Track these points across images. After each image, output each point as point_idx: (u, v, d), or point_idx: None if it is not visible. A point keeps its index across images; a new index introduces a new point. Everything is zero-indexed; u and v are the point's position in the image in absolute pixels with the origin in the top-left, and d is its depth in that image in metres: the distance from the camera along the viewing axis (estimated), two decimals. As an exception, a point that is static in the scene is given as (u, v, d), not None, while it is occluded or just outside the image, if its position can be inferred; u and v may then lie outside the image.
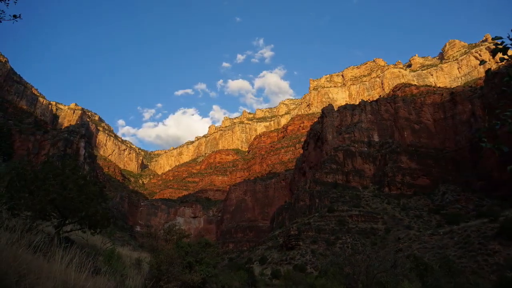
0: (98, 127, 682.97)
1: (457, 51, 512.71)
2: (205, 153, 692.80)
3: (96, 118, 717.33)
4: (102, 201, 23.13)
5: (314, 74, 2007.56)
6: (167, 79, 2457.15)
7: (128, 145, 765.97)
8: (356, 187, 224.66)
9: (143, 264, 25.81)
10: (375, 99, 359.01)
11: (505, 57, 8.45)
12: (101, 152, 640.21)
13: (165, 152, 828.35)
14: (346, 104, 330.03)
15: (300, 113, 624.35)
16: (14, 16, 12.71)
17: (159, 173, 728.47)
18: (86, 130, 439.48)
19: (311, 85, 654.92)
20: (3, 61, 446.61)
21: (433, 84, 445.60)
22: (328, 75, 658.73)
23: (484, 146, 8.92)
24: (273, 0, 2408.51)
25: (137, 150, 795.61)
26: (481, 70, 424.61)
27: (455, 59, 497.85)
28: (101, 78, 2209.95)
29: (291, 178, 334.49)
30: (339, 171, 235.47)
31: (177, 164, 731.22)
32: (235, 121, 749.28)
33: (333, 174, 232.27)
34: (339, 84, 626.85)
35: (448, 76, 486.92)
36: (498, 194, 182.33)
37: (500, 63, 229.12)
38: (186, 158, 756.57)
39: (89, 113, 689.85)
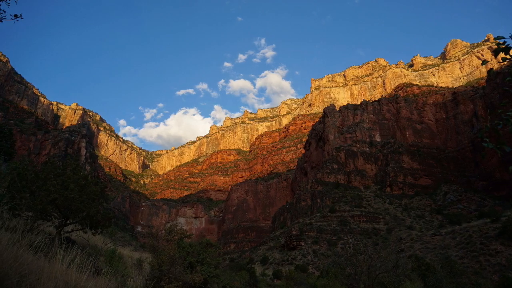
0: (99, 127, 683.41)
1: (459, 51, 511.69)
2: (207, 153, 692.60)
3: (97, 118, 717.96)
4: (103, 201, 23.10)
5: (316, 74, 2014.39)
6: (169, 79, 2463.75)
7: (130, 145, 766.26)
8: (357, 187, 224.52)
9: (144, 265, 25.80)
10: (377, 99, 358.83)
11: (507, 56, 8.40)
12: (102, 152, 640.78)
13: (167, 152, 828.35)
14: (348, 104, 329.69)
15: (301, 113, 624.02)
16: (15, 15, 12.70)
17: (161, 173, 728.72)
18: (87, 130, 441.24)
19: (312, 85, 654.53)
20: (4, 61, 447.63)
21: (435, 84, 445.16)
22: (329, 75, 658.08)
23: (486, 146, 8.89)
24: (275, 0, 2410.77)
25: (138, 150, 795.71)
26: (483, 70, 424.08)
27: (457, 59, 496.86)
28: (102, 78, 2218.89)
29: (293, 178, 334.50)
30: (340, 171, 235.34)
31: (179, 164, 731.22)
32: (236, 121, 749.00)
33: (335, 174, 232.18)
34: (341, 84, 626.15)
35: (450, 76, 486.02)
36: (500, 194, 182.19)
37: (502, 63, 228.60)
38: (187, 158, 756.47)
39: (90, 113, 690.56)
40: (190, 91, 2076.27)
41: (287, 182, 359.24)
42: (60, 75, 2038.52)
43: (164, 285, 20.71)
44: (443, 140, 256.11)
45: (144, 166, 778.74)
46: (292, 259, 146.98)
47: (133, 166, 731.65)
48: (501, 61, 9.38)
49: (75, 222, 20.61)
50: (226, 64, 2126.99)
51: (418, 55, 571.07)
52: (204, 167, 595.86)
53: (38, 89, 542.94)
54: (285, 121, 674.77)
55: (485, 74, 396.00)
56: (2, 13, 12.66)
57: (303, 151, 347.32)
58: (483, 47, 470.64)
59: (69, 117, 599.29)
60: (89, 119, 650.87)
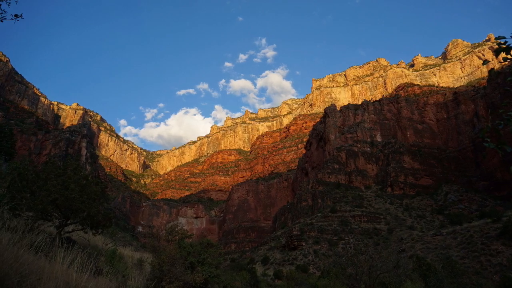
0: (100, 127, 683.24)
1: (460, 51, 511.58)
2: (207, 153, 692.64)
3: (98, 118, 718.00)
4: (104, 201, 23.10)
5: (317, 73, 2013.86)
6: (169, 79, 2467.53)
7: (130, 145, 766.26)
8: (358, 187, 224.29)
9: (145, 265, 25.77)
10: (377, 99, 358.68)
11: (508, 56, 8.37)
12: (103, 152, 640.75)
13: (167, 152, 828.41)
14: (349, 104, 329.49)
15: (302, 113, 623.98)
16: (16, 15, 12.68)
17: (161, 173, 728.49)
18: (87, 130, 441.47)
19: (313, 84, 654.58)
20: (5, 61, 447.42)
21: (436, 84, 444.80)
22: (330, 75, 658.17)
23: (487, 146, 8.85)
24: (275, 0, 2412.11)
25: (139, 150, 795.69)
26: (484, 70, 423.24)
27: (458, 59, 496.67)
28: (103, 78, 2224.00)
29: (294, 178, 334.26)
30: (341, 171, 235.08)
31: (179, 164, 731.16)
32: (237, 121, 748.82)
33: (336, 174, 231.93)
34: (342, 84, 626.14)
35: (451, 76, 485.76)
36: (501, 194, 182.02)
37: (503, 63, 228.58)
38: (188, 158, 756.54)
39: (91, 113, 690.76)
40: (191, 91, 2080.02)
41: (288, 182, 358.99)
42: (60, 75, 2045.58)
43: (165, 285, 20.69)
44: (444, 140, 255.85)
45: (145, 166, 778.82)
46: (293, 259, 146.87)
47: (134, 166, 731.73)
48: (502, 61, 9.36)
49: (75, 222, 20.60)
50: (227, 64, 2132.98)
51: (419, 55, 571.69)
52: (205, 167, 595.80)
53: (38, 89, 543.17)
54: (286, 121, 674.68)
55: (486, 74, 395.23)
56: (2, 13, 12.64)
57: (304, 151, 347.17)
58: (484, 47, 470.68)
59: (69, 117, 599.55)
60: (90, 119, 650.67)
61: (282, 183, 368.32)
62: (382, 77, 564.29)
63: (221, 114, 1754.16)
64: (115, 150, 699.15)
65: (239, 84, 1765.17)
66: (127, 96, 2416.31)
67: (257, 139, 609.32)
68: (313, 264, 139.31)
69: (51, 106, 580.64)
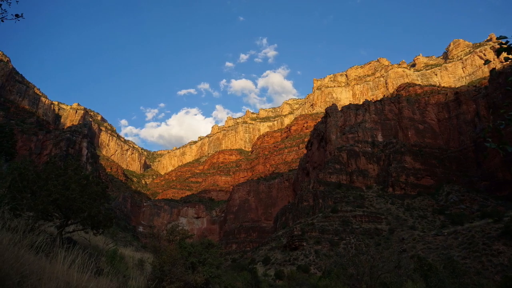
0: (101, 127, 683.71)
1: (461, 51, 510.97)
2: (208, 153, 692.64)
3: (99, 118, 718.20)
4: (105, 202, 23.09)
5: (318, 73, 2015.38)
6: (170, 79, 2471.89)
7: (131, 145, 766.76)
8: (360, 187, 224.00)
9: (145, 265, 25.77)
10: (379, 99, 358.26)
11: (510, 56, 8.36)
12: (104, 152, 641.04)
13: (168, 152, 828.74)
14: (350, 104, 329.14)
15: (303, 113, 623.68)
16: (16, 15, 12.66)
17: (162, 173, 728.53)
18: (88, 130, 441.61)
19: (314, 84, 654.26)
20: (5, 61, 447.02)
21: (437, 84, 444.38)
22: (331, 75, 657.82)
23: (489, 146, 8.83)
24: (276, 0, 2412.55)
25: (139, 150, 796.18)
26: (486, 70, 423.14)
27: (460, 59, 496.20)
28: (104, 78, 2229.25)
29: (295, 178, 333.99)
30: (342, 171, 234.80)
31: (180, 164, 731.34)
32: (238, 121, 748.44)
33: (337, 174, 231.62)
34: (343, 84, 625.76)
35: (453, 76, 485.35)
36: (503, 194, 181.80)
37: (504, 63, 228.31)
38: (189, 158, 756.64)
39: (92, 113, 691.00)
40: (192, 91, 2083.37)
41: (289, 182, 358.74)
42: (61, 75, 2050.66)
43: (165, 285, 20.67)
44: (445, 140, 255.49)
45: (146, 166, 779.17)
46: (294, 260, 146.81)
47: (135, 166, 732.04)
48: (503, 61, 9.36)
49: (76, 222, 20.59)
50: (228, 64, 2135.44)
51: (420, 54, 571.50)
52: (206, 167, 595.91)
53: (39, 89, 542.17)
54: (287, 121, 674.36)
55: (487, 74, 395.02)
56: (3, 13, 12.63)
57: (305, 151, 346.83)
58: (486, 46, 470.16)
59: (70, 117, 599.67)
60: (91, 119, 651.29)
61: (283, 183, 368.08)
62: (383, 77, 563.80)
63: (222, 114, 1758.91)
64: (116, 150, 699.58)
65: (240, 84, 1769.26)
66: (128, 96, 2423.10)
67: (258, 139, 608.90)
68: (314, 264, 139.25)
69: (52, 106, 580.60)
